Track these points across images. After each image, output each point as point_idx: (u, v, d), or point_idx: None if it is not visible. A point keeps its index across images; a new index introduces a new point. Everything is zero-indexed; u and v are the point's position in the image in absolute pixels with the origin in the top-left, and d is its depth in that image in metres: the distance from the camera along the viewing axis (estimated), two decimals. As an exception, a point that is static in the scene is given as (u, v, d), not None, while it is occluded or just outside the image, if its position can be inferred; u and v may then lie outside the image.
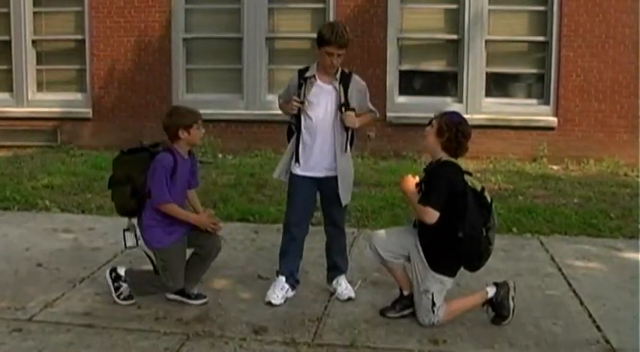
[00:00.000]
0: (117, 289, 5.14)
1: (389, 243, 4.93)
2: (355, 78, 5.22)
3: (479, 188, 4.70)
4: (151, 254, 5.09)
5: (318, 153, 5.16)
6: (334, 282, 5.36)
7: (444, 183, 4.66)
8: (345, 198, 5.22)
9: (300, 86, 5.15)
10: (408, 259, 4.89)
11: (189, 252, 5.19)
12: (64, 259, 6.17)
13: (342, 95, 5.10)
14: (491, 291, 4.82)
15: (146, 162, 5.00)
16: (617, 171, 10.56)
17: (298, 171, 5.22)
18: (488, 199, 4.72)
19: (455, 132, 4.70)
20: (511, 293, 4.82)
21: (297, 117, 5.16)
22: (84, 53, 12.22)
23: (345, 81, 5.14)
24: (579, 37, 11.14)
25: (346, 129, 5.16)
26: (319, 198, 5.37)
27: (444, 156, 4.75)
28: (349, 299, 5.21)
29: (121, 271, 5.20)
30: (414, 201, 4.77)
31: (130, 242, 5.15)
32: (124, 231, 5.20)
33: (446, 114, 4.87)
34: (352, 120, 5.11)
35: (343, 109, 5.08)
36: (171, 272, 5.00)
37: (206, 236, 5.11)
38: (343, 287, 5.31)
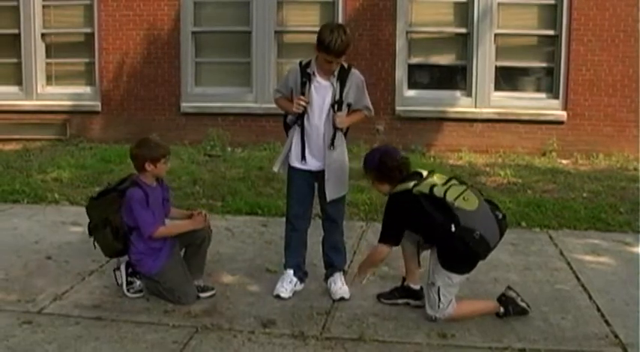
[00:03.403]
0: (129, 283, 5.15)
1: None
2: (354, 73, 5.15)
3: (427, 190, 4.59)
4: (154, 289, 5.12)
5: (314, 148, 5.14)
6: (329, 280, 5.30)
7: (392, 217, 4.72)
8: (331, 193, 5.15)
9: (303, 84, 5.07)
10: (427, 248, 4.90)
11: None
12: (73, 252, 6.19)
13: (338, 93, 5.05)
14: (500, 308, 4.78)
15: (117, 201, 5.09)
16: (627, 166, 10.52)
17: (296, 164, 5.21)
18: (440, 194, 4.56)
19: (383, 167, 4.78)
20: (517, 300, 4.78)
21: (300, 115, 5.10)
22: (93, 46, 12.22)
23: (342, 77, 5.07)
24: (589, 30, 11.09)
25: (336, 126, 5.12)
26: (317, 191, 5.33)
27: (394, 187, 4.78)
28: (342, 299, 5.11)
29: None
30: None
31: (121, 280, 5.19)
32: (114, 270, 5.27)
33: (365, 161, 4.93)
34: (342, 121, 5.07)
35: (335, 108, 5.04)
36: (179, 290, 5.03)
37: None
38: (338, 286, 5.21)
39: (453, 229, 4.48)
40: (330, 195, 5.15)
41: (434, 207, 4.55)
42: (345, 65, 5.13)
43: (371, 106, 5.30)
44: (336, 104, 5.04)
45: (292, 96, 5.14)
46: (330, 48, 4.86)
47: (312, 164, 5.17)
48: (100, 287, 5.33)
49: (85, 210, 5.37)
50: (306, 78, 5.07)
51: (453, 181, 4.74)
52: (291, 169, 5.25)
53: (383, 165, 4.79)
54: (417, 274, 5.09)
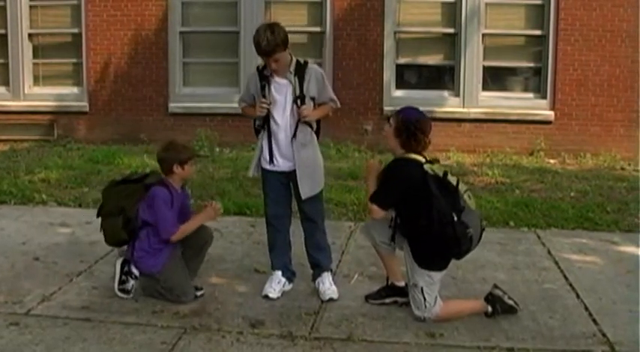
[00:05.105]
0: (122, 282, 5.12)
1: (384, 228, 4.91)
2: (312, 67, 5.16)
3: (441, 173, 4.62)
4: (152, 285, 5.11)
5: (283, 148, 5.14)
6: (317, 281, 5.30)
7: (394, 182, 4.66)
8: (305, 191, 5.14)
9: (263, 87, 5.09)
10: (402, 248, 4.89)
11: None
12: (60, 253, 6.17)
13: (298, 88, 5.05)
14: (488, 308, 4.79)
15: (139, 193, 5.08)
16: (614, 165, 10.57)
17: (267, 166, 5.22)
18: (454, 182, 4.63)
19: (412, 129, 4.67)
20: (504, 298, 4.80)
21: (266, 117, 5.11)
22: (80, 47, 12.16)
23: (299, 72, 5.07)
24: (576, 30, 11.14)
25: (304, 121, 5.11)
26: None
27: (403, 153, 4.73)
28: (330, 299, 5.12)
29: (136, 271, 5.16)
30: (369, 193, 4.80)
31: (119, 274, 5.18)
32: (117, 259, 5.26)
33: (402, 111, 4.84)
34: (308, 113, 5.06)
35: (299, 102, 5.04)
36: (179, 289, 5.03)
37: (197, 229, 5.16)
38: (326, 286, 5.22)
39: (456, 218, 4.49)
40: (304, 193, 5.14)
41: (442, 192, 4.54)
42: (301, 61, 5.14)
43: (335, 98, 5.29)
44: (298, 99, 5.05)
45: (256, 101, 5.17)
46: (258, 49, 4.91)
47: (283, 165, 5.18)
48: (88, 288, 5.31)
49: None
50: (264, 80, 5.10)
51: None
52: (264, 171, 5.27)
53: (414, 123, 4.68)
54: (399, 271, 5.10)
